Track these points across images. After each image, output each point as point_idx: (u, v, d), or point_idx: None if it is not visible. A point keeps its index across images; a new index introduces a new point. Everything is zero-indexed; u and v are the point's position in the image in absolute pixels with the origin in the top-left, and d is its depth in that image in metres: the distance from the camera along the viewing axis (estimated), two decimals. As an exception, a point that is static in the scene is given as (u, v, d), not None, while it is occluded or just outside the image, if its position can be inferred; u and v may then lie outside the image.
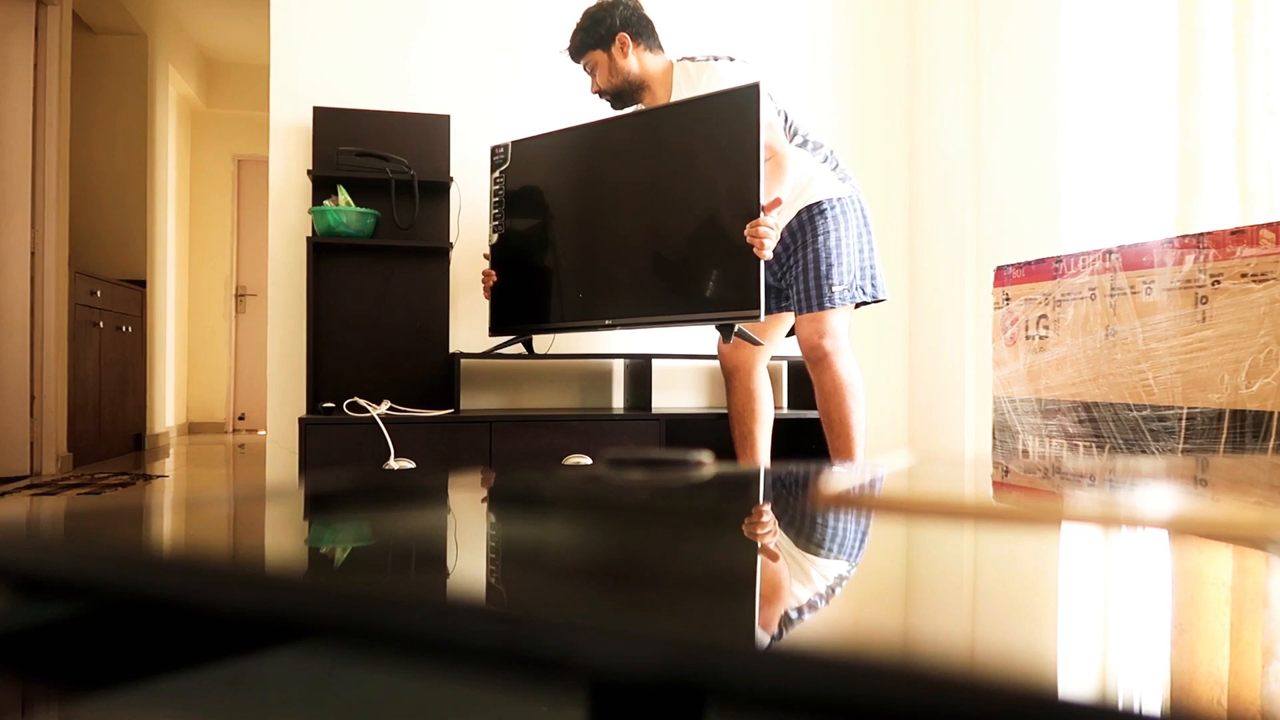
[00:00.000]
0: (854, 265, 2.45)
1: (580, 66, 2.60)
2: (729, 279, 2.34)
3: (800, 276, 2.46)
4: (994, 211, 3.13)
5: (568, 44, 2.60)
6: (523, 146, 2.85)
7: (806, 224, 2.47)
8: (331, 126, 2.96)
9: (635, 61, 2.52)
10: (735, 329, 2.40)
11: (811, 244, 2.45)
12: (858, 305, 2.51)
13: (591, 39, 2.52)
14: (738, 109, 2.30)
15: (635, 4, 2.54)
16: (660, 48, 2.58)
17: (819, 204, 2.45)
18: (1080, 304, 2.17)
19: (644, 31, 2.53)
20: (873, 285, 2.48)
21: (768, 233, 2.20)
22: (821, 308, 2.41)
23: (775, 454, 3.20)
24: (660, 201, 2.57)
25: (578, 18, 2.58)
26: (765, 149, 2.35)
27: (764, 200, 2.26)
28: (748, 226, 2.22)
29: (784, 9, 3.43)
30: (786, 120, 2.47)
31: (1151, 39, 2.51)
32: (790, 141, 2.45)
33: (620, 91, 2.56)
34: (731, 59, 2.49)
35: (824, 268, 2.42)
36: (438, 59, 3.20)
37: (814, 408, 3.08)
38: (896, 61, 3.56)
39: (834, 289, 2.41)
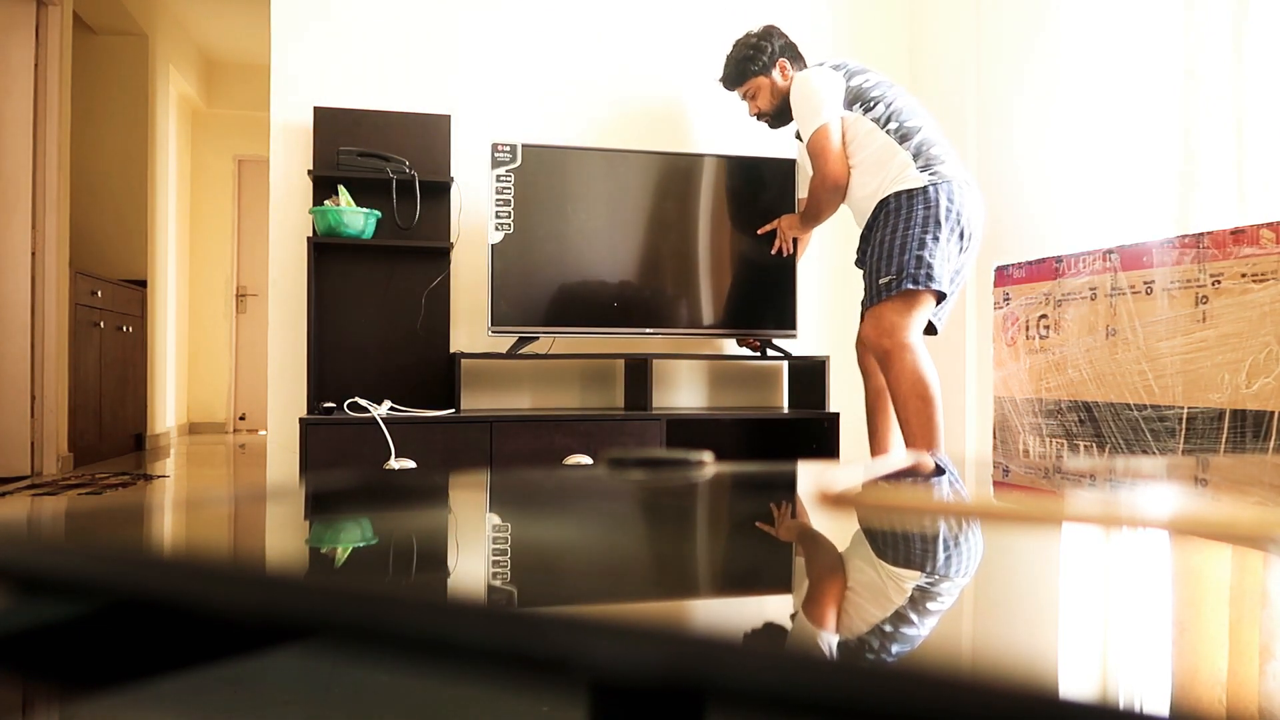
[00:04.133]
0: (906, 256, 2.38)
1: (736, 94, 2.83)
2: (770, 301, 3.09)
3: (864, 274, 2.54)
4: (994, 211, 3.13)
5: (723, 73, 2.81)
6: (542, 152, 2.92)
7: (875, 220, 2.51)
8: (332, 126, 2.96)
9: (788, 82, 2.71)
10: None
11: (871, 240, 2.50)
12: (939, 301, 2.45)
13: (757, 66, 2.74)
14: (779, 172, 3.08)
15: (782, 31, 2.79)
16: (804, 64, 2.77)
17: (886, 200, 2.48)
18: (1080, 304, 2.17)
19: (796, 55, 2.77)
20: (927, 277, 2.36)
21: (785, 234, 2.98)
22: (870, 303, 2.46)
23: (773, 454, 3.20)
24: (705, 230, 3.06)
25: (729, 48, 2.81)
26: (818, 173, 2.57)
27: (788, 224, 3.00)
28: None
29: (784, 9, 3.43)
30: (886, 109, 2.51)
31: (1152, 38, 2.51)
32: (883, 127, 2.49)
33: (781, 111, 2.74)
34: (815, 64, 2.68)
35: (874, 263, 2.45)
36: (438, 59, 3.20)
37: (814, 407, 3.10)
38: (897, 60, 3.55)
39: (879, 282, 2.42)
